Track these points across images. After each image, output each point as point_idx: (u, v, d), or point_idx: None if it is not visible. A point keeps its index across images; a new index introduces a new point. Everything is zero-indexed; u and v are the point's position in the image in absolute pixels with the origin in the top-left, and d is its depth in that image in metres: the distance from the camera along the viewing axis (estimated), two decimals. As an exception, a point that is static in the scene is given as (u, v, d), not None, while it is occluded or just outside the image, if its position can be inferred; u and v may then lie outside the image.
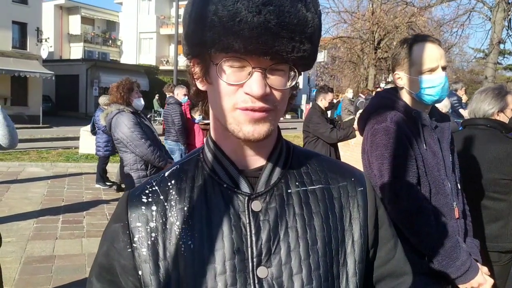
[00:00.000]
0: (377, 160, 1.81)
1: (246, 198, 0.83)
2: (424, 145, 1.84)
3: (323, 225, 0.84)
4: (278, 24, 0.70)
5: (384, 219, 0.93)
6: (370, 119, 1.96)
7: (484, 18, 15.52)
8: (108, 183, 8.40)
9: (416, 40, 1.87)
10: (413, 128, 1.85)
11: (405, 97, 1.94)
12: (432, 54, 1.82)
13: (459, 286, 1.78)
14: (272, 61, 0.73)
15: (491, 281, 1.79)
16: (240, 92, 0.75)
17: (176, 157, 7.00)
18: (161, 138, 4.86)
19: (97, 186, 8.36)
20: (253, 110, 0.75)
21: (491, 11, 14.59)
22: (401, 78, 1.91)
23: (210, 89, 0.81)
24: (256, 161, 0.85)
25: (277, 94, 0.77)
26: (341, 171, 0.92)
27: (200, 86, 0.84)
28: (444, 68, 1.84)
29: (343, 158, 5.91)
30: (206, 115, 0.89)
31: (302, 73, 0.86)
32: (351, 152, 9.84)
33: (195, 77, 0.84)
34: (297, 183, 0.87)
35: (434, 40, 1.87)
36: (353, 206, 0.88)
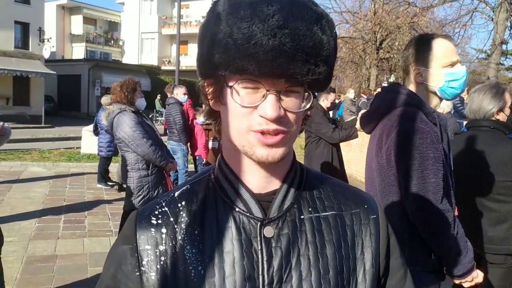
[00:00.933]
0: (408, 160, 1.76)
1: (259, 223, 0.81)
2: (442, 145, 1.84)
3: (335, 253, 0.83)
4: (293, 47, 0.69)
5: (395, 248, 0.92)
6: (388, 117, 1.89)
7: (486, 19, 15.52)
8: (109, 183, 8.40)
9: (434, 36, 1.89)
10: (436, 129, 1.85)
11: (418, 93, 1.91)
12: (452, 49, 1.85)
13: (456, 280, 1.84)
14: (286, 84, 0.72)
15: (482, 274, 1.86)
16: (254, 115, 0.74)
17: (178, 157, 7.00)
18: (163, 138, 4.86)
19: (99, 186, 8.37)
20: (268, 133, 0.74)
21: (493, 11, 14.58)
22: (421, 73, 1.88)
23: (223, 110, 0.80)
24: (269, 184, 0.83)
25: (291, 116, 0.75)
26: (353, 197, 0.91)
27: (214, 106, 0.83)
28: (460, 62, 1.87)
29: (345, 159, 5.90)
30: (219, 135, 0.87)
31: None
32: (353, 153, 9.84)
33: (208, 98, 0.83)
34: (310, 209, 0.85)
35: (448, 36, 1.93)
36: (366, 234, 0.87)
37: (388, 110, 1.91)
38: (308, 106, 0.78)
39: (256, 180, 0.83)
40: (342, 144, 5.63)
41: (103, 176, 8.39)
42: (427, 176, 1.73)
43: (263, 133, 0.74)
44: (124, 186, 7.05)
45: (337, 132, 5.19)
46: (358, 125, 5.16)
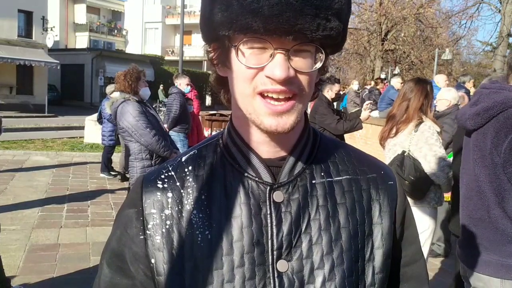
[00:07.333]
0: None
1: (268, 188, 0.78)
2: None
3: (348, 218, 0.79)
4: None
5: (411, 220, 0.89)
6: (504, 115, 1.88)
7: (493, 10, 15.36)
8: (112, 173, 8.41)
9: None
10: None
11: None
12: None
13: None
14: (295, 41, 0.67)
15: None
16: (260, 76, 0.69)
17: (179, 147, 6.97)
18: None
19: (102, 175, 8.37)
20: (275, 95, 0.69)
21: (501, 2, 14.42)
22: None
23: (230, 75, 0.76)
24: (279, 151, 0.80)
25: (302, 78, 0.70)
26: (369, 163, 0.87)
27: (221, 72, 0.79)
28: None
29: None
30: (228, 103, 0.83)
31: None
32: (356, 145, 9.79)
33: (214, 63, 0.78)
34: (322, 174, 0.81)
35: None
36: (383, 199, 0.83)
37: (501, 110, 1.90)
38: (320, 66, 0.72)
39: (265, 146, 0.79)
40: (346, 136, 5.60)
41: (106, 165, 8.40)
42: None
43: (266, 94, 0.70)
44: (127, 175, 7.06)
45: (341, 123, 5.16)
46: (362, 117, 5.15)
